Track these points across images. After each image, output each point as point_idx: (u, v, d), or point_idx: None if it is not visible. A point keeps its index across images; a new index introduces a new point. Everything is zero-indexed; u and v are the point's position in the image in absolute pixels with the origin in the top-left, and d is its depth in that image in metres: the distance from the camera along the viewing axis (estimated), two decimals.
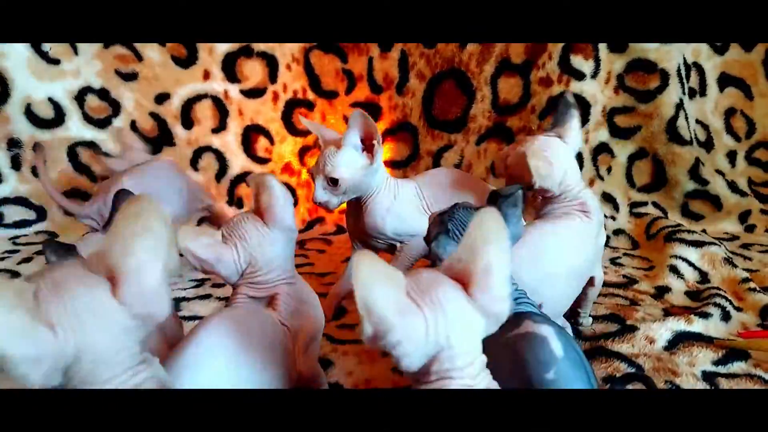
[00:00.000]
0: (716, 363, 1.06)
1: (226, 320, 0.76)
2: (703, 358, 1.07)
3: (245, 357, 0.72)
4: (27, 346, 0.48)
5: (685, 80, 1.91)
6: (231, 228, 0.84)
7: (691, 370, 1.04)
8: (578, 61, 1.89)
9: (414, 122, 2.10)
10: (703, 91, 2.10)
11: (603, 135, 1.92)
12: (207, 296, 1.38)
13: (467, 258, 0.55)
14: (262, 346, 0.75)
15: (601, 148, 1.92)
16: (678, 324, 1.16)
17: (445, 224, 0.80)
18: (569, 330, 0.81)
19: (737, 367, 1.05)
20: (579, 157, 1.88)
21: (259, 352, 0.74)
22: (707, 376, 1.03)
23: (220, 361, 0.70)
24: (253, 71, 2.07)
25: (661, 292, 1.40)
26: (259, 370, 0.73)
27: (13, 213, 1.98)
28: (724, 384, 1.01)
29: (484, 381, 0.56)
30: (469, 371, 0.55)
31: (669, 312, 1.27)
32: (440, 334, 0.54)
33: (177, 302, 1.33)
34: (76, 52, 1.96)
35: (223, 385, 0.69)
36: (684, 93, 1.89)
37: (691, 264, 1.49)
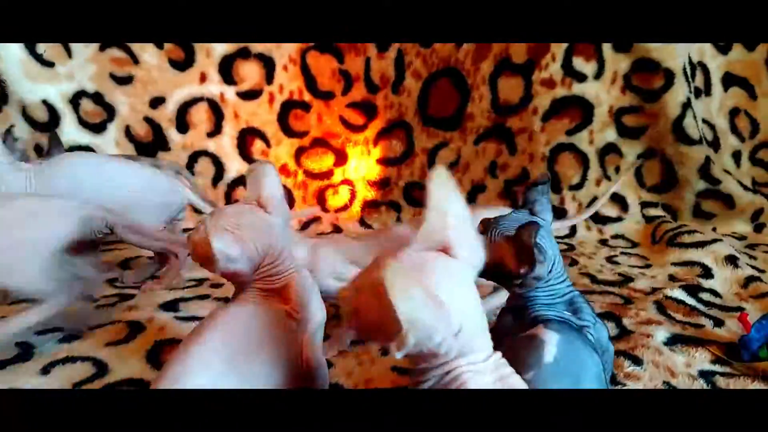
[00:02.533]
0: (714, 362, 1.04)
1: (231, 318, 0.76)
2: (701, 357, 1.05)
3: (248, 356, 0.72)
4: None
5: (690, 79, 1.89)
6: (234, 220, 0.77)
7: (688, 370, 1.01)
8: (580, 63, 1.87)
9: (409, 120, 2.07)
10: (707, 90, 2.08)
11: (610, 135, 1.90)
12: (205, 296, 1.33)
13: (440, 225, 0.60)
14: (267, 345, 0.75)
15: (609, 149, 1.90)
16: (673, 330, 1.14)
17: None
18: (604, 333, 0.80)
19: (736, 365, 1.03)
20: (584, 158, 1.89)
21: (263, 351, 0.74)
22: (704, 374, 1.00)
23: (223, 362, 0.70)
24: (249, 73, 2.04)
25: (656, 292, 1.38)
26: (264, 371, 0.73)
27: None
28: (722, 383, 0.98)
29: (496, 368, 0.58)
30: (478, 355, 0.57)
31: (664, 311, 1.25)
32: (454, 322, 0.55)
33: (175, 303, 1.28)
34: (70, 55, 1.93)
35: (226, 386, 0.69)
36: (690, 91, 1.86)
37: (694, 264, 1.47)
